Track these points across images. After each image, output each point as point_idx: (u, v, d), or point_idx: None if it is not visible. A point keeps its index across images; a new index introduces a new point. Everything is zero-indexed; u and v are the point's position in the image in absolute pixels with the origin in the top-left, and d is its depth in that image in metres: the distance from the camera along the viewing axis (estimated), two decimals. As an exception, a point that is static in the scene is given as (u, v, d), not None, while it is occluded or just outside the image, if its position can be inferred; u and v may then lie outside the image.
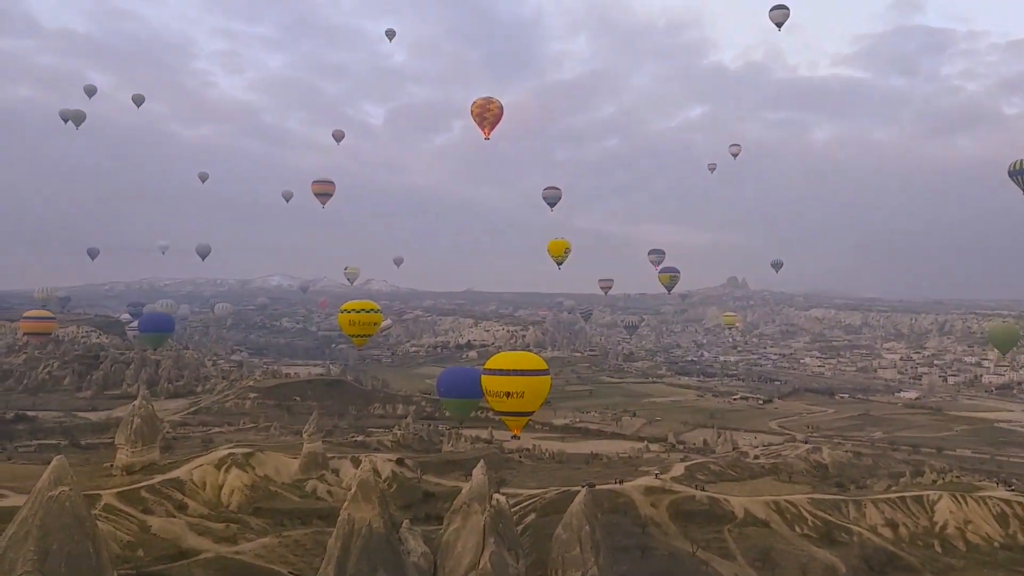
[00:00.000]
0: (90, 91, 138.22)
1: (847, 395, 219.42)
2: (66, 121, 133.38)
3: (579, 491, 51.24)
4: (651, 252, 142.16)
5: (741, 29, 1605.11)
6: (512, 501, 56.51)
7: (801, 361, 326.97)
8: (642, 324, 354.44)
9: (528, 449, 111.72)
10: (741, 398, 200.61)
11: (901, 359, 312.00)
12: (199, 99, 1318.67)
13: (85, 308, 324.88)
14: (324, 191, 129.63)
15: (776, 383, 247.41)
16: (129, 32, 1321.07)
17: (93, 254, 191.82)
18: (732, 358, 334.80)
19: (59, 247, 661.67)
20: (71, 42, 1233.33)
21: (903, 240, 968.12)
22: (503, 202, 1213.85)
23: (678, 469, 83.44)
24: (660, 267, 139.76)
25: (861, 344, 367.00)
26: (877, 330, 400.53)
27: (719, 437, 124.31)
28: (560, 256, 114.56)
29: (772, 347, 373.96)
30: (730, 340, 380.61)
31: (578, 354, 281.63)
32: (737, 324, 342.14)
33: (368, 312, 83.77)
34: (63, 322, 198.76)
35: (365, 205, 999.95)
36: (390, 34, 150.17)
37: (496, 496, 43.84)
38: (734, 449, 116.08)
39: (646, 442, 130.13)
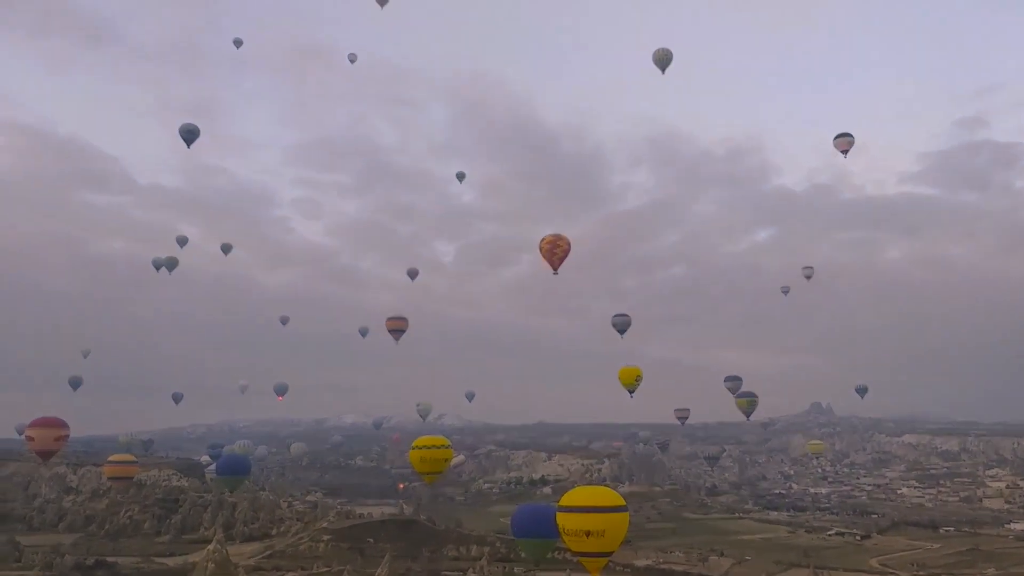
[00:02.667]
0: (182, 241, 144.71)
1: (952, 528, 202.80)
2: (158, 268, 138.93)
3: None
4: (727, 379, 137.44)
5: (804, 153, 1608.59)
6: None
7: (898, 492, 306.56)
8: (724, 455, 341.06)
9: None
10: (836, 534, 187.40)
11: (1007, 487, 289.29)
12: (279, 245, 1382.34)
13: (167, 451, 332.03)
14: (398, 327, 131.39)
15: (873, 516, 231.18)
16: (216, 186, 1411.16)
17: (177, 398, 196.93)
18: (823, 490, 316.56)
19: (145, 391, 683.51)
20: (163, 196, 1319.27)
21: (993, 358, 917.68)
22: (572, 332, 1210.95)
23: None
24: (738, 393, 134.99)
25: (962, 472, 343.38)
26: (977, 456, 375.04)
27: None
28: (632, 384, 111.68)
29: (865, 477, 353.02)
30: (819, 470, 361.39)
31: (657, 488, 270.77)
32: (823, 452, 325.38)
33: (439, 448, 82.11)
34: (145, 465, 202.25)
35: (437, 340, 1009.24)
36: (460, 176, 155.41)
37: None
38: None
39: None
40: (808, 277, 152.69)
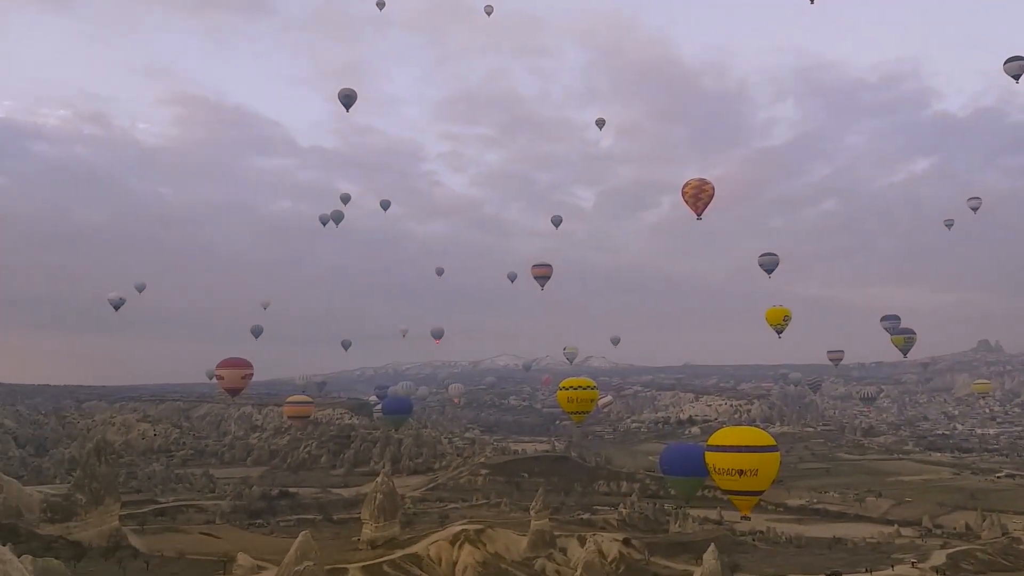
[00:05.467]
0: (345, 199, 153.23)
1: None
2: (325, 224, 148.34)
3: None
4: (884, 319, 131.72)
5: (966, 75, 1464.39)
6: (746, 587, 54.38)
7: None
8: (881, 395, 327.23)
9: (761, 532, 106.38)
10: (1007, 476, 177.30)
11: None
12: (429, 198, 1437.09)
13: (339, 392, 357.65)
14: (542, 274, 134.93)
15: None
16: (369, 145, 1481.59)
17: (346, 345, 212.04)
18: (991, 431, 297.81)
19: (318, 338, 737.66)
20: (322, 157, 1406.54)
21: None
22: (717, 274, 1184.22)
23: (938, 557, 75.63)
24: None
25: None
26: None
27: (984, 521, 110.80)
28: (779, 324, 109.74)
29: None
30: (987, 410, 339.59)
31: (810, 429, 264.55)
32: (991, 392, 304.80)
33: (585, 389, 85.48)
34: (320, 405, 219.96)
35: (581, 285, 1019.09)
36: (600, 123, 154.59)
37: (729, 582, 42.32)
38: (1004, 535, 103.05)
39: (897, 526, 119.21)
40: (975, 209, 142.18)
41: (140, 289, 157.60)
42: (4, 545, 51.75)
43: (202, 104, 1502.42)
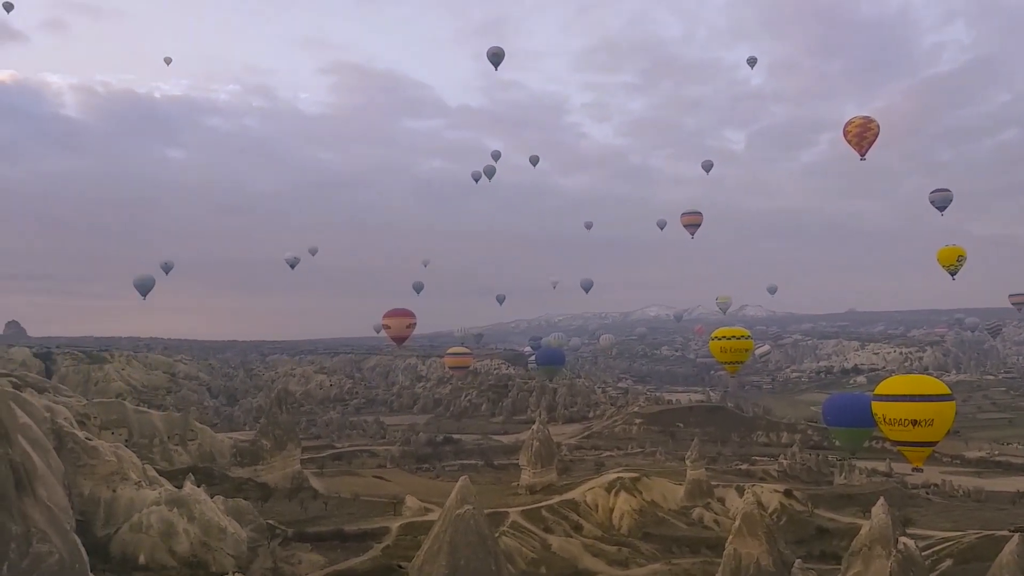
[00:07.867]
0: (496, 156, 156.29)
1: None
2: (477, 180, 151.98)
3: (1008, 536, 45.26)
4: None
5: None
6: (922, 544, 51.72)
7: None
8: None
9: (936, 485, 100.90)
10: None
11: None
12: (574, 150, 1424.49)
13: (496, 343, 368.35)
14: (692, 222, 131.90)
15: None
16: (513, 100, 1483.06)
17: (500, 298, 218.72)
18: None
19: (473, 292, 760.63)
20: (470, 116, 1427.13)
21: None
22: (881, 214, 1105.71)
23: None
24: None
25: None
26: None
27: None
28: (953, 265, 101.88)
29: None
30: None
31: (990, 377, 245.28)
32: None
33: (739, 339, 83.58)
34: (479, 356, 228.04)
35: (733, 231, 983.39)
36: (751, 61, 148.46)
37: (903, 539, 40.58)
38: None
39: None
40: None
41: (313, 252, 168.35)
42: (200, 487, 58.26)
43: (355, 71, 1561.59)
